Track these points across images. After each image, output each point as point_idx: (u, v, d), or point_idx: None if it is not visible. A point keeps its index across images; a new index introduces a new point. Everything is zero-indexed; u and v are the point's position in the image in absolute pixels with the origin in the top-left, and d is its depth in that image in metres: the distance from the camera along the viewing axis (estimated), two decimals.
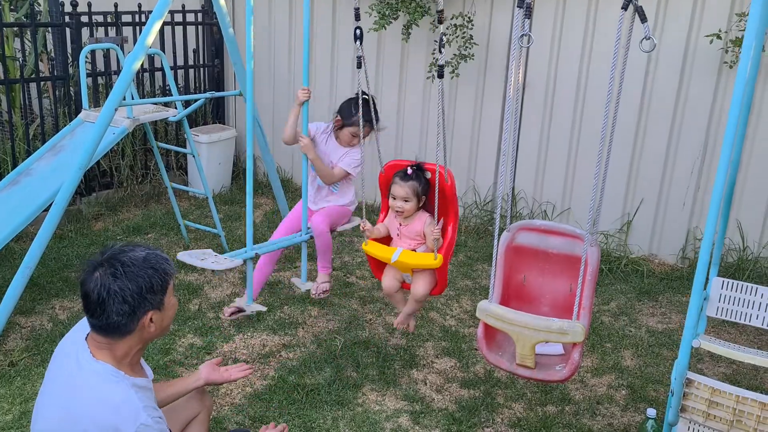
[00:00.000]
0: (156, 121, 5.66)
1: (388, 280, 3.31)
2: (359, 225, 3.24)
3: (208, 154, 5.90)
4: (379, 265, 3.35)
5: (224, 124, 6.47)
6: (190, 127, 6.12)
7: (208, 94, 3.96)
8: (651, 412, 2.77)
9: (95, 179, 5.43)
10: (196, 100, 4.12)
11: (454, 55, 4.91)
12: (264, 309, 3.57)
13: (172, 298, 2.03)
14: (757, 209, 4.52)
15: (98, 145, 3.14)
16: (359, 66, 3.07)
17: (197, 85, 6.23)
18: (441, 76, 2.86)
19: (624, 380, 3.51)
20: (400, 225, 3.22)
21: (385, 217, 3.30)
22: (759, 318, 2.72)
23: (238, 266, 3.41)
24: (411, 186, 3.11)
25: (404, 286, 3.33)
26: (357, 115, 3.41)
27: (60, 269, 4.33)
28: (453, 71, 4.93)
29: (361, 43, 3.00)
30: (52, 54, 5.15)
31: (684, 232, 4.81)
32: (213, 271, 4.31)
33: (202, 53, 6.19)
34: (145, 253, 1.97)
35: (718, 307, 2.81)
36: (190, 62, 6.10)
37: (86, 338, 1.99)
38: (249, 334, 3.72)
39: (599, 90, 4.79)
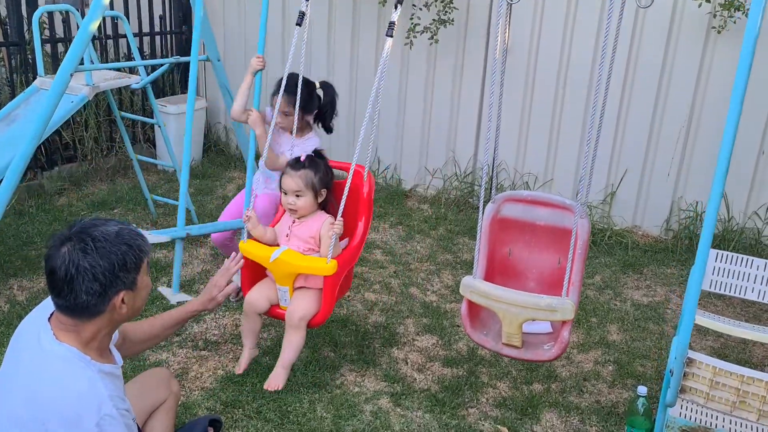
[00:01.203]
0: (121, 91, 5.40)
1: (256, 295, 2.73)
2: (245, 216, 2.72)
3: (177, 126, 5.64)
4: (252, 276, 2.80)
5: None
6: (157, 98, 5.85)
7: (172, 59, 3.72)
8: (642, 389, 2.66)
9: (57, 152, 5.16)
10: (160, 66, 3.86)
11: (433, 20, 4.70)
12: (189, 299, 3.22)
13: (146, 277, 1.86)
14: (742, 179, 4.42)
15: (52, 114, 2.90)
16: (299, 23, 2.70)
17: (164, 52, 5.94)
18: (390, 35, 2.47)
19: (611, 356, 3.41)
20: (293, 223, 2.70)
21: (279, 220, 2.82)
22: (755, 291, 2.61)
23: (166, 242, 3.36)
24: (304, 176, 2.60)
25: (274, 311, 2.81)
26: (278, 94, 3.00)
27: (19, 247, 4.09)
28: (432, 37, 4.72)
29: None
30: (6, 18, 4.83)
31: (668, 203, 4.70)
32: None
33: (168, 19, 5.90)
34: (118, 228, 1.80)
35: (711, 280, 2.70)
36: (156, 29, 5.80)
37: (49, 319, 1.83)
38: (221, 314, 3.54)
39: (584, 54, 4.63)
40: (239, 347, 3.25)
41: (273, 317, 2.86)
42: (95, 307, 1.76)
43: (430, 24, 4.70)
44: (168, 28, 5.92)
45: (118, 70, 4.04)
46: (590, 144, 2.41)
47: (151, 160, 4.55)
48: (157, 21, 5.78)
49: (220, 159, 6.00)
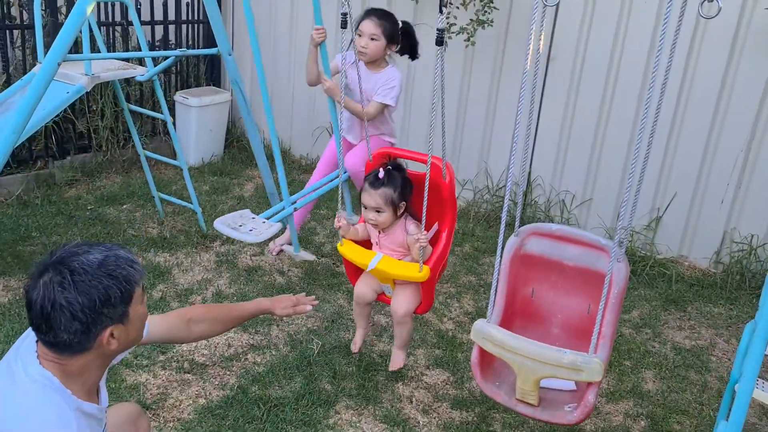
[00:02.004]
0: (138, 82, 5.15)
1: (363, 287, 2.82)
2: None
3: (198, 119, 5.40)
4: (356, 269, 2.86)
5: (219, 87, 5.95)
6: (182, 89, 5.62)
7: (178, 52, 3.43)
8: None
9: (70, 141, 4.95)
10: (165, 58, 3.58)
11: (471, 20, 4.32)
12: (313, 258, 3.56)
13: (140, 307, 1.63)
14: None
15: (35, 106, 2.64)
16: (343, 26, 2.63)
17: (191, 42, 5.70)
18: (440, 43, 2.26)
19: (644, 408, 3.01)
20: (380, 233, 2.73)
21: None
22: None
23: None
24: (383, 194, 2.59)
25: (381, 299, 2.88)
26: (365, 17, 3.38)
27: (14, 242, 3.87)
28: (468, 38, 4.35)
29: None
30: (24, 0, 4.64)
31: (720, 233, 4.24)
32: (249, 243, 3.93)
33: (196, 6, 5.65)
34: (103, 257, 1.55)
35: None
36: (183, 17, 5.56)
37: (38, 340, 1.60)
38: None
39: (635, 65, 4.20)
40: (227, 372, 2.96)
41: (381, 302, 2.97)
42: (79, 345, 1.54)
43: (467, 24, 4.32)
44: (196, 17, 5.67)
45: (127, 60, 3.78)
46: (636, 162, 2.02)
47: (158, 157, 4.28)
48: (184, 8, 5.54)
49: (243, 155, 5.73)
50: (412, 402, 2.92)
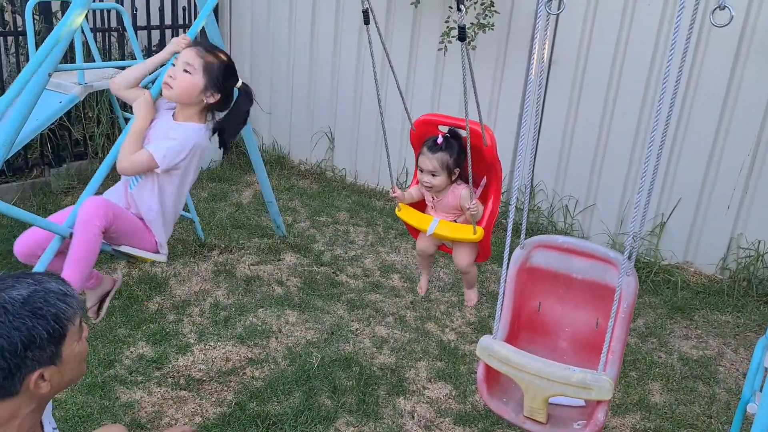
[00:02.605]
0: None
1: (425, 242, 3.00)
2: (389, 190, 3.01)
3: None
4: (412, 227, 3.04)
5: None
6: None
7: (173, 59, 3.35)
8: None
9: (66, 149, 4.88)
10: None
11: (471, 24, 4.26)
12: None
13: (77, 345, 1.46)
14: None
15: (26, 118, 2.56)
16: (366, 22, 2.60)
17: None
18: (463, 38, 2.37)
19: (651, 422, 2.94)
20: (433, 198, 2.87)
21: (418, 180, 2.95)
22: None
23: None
24: (440, 159, 2.72)
25: (443, 249, 3.07)
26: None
27: (9, 254, 3.78)
28: (469, 43, 4.28)
29: None
30: (18, 7, 4.57)
31: (726, 240, 4.18)
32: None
33: (193, 11, 5.58)
34: (28, 292, 1.39)
35: None
36: (180, 21, 5.49)
37: None
38: (211, 344, 3.18)
39: (638, 69, 4.13)
40: (225, 388, 2.89)
41: (444, 251, 3.09)
42: (3, 390, 1.39)
43: (468, 28, 4.25)
44: (192, 22, 5.59)
45: (121, 68, 3.70)
46: (648, 166, 1.94)
47: None
48: (180, 13, 5.47)
49: (241, 161, 5.65)
50: (413, 418, 2.85)
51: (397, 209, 2.94)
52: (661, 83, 2.23)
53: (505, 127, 4.67)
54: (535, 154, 4.59)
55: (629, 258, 2.11)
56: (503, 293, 2.18)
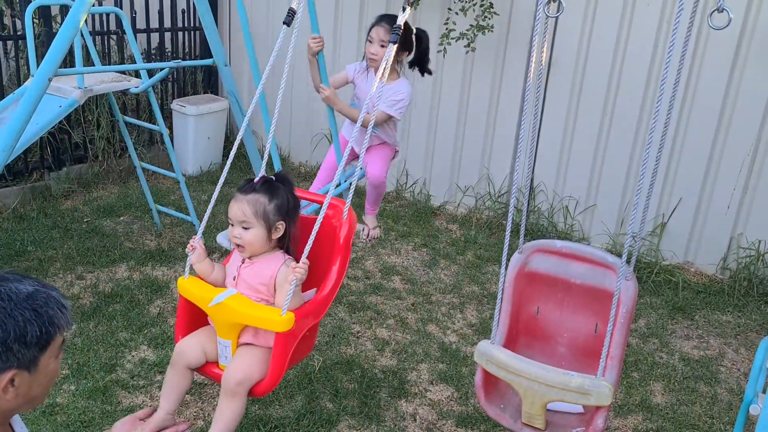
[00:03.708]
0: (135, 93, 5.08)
1: (190, 343, 2.15)
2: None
3: (196, 128, 5.34)
4: (189, 321, 2.22)
5: (217, 94, 5.88)
6: (179, 97, 5.56)
7: (173, 63, 3.36)
8: None
9: (66, 152, 4.89)
10: (160, 69, 3.51)
11: (471, 26, 4.25)
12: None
13: (53, 361, 1.43)
14: None
15: (26, 123, 2.58)
16: (287, 23, 2.40)
17: (188, 50, 5.64)
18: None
19: (653, 423, 2.94)
20: (242, 264, 2.12)
21: (231, 257, 2.23)
22: None
23: None
24: (253, 202, 2.03)
25: (207, 371, 2.17)
26: (380, 23, 3.10)
27: (9, 258, 3.81)
28: (468, 44, 4.28)
29: None
30: (17, 11, 4.57)
31: (726, 239, 4.17)
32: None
33: (192, 14, 5.58)
34: (33, 290, 1.39)
35: None
36: (179, 24, 5.49)
37: None
38: None
39: (637, 71, 4.13)
40: None
41: (206, 376, 2.21)
42: None
43: (467, 30, 4.25)
44: (192, 24, 5.60)
45: (122, 72, 3.72)
46: (646, 167, 1.94)
47: (155, 168, 4.22)
48: (180, 16, 5.47)
49: (242, 163, 5.64)
50: (415, 420, 2.85)
51: (181, 277, 2.14)
52: (660, 84, 2.23)
53: (504, 129, 4.67)
54: (535, 155, 4.59)
55: (628, 262, 2.11)
56: (501, 298, 2.18)
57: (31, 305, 1.37)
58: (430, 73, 3.33)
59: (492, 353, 2.10)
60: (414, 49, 3.21)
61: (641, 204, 1.93)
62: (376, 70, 2.92)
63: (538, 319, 2.37)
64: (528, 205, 4.60)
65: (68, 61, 4.51)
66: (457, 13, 4.27)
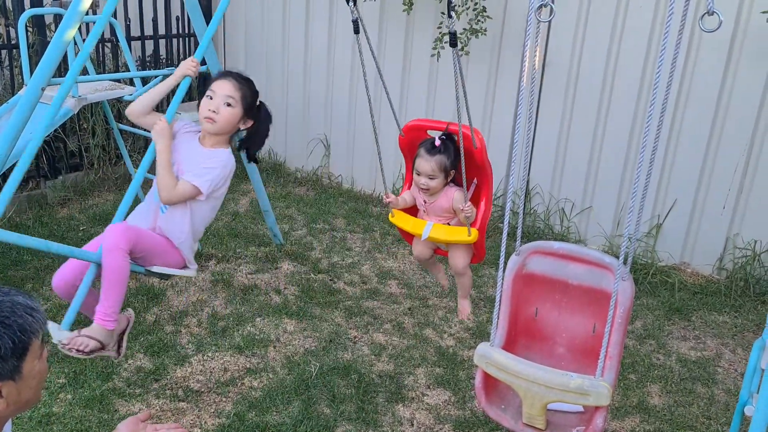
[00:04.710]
0: (130, 101, 5.08)
1: (420, 248, 3.08)
2: (383, 196, 2.97)
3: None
4: (404, 234, 3.16)
5: None
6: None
7: (167, 71, 3.36)
8: None
9: (62, 160, 4.88)
10: (154, 77, 3.51)
11: (464, 29, 4.27)
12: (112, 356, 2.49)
13: (38, 363, 1.43)
14: None
15: (19, 135, 2.56)
16: (356, 31, 2.60)
17: (183, 57, 5.64)
18: (454, 44, 2.43)
19: (651, 425, 2.94)
20: (425, 201, 2.90)
21: (410, 185, 2.98)
22: None
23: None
24: (438, 161, 2.77)
25: (438, 252, 3.14)
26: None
27: (5, 268, 3.79)
28: (462, 48, 4.29)
29: (355, 3, 2.51)
30: (11, 20, 4.57)
31: (722, 240, 4.18)
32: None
33: (187, 21, 5.59)
34: None
35: None
36: (174, 31, 5.50)
37: None
38: (209, 354, 3.18)
39: (631, 72, 4.15)
40: (223, 398, 2.88)
41: (439, 255, 3.17)
42: None
43: (461, 33, 4.27)
44: (186, 31, 5.61)
45: (117, 81, 3.72)
46: (641, 170, 1.94)
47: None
48: (174, 23, 5.48)
49: (237, 169, 5.58)
50: (413, 425, 2.85)
51: (390, 215, 2.96)
52: (653, 84, 2.24)
53: (499, 131, 4.68)
54: (531, 158, 4.60)
55: (624, 262, 2.11)
56: (500, 300, 2.18)
57: None
58: (256, 161, 3.00)
59: (491, 355, 2.09)
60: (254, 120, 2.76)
61: (637, 205, 1.94)
62: (210, 132, 2.68)
63: (536, 320, 2.37)
64: (524, 207, 4.61)
65: (62, 69, 4.51)
66: (450, 17, 4.27)
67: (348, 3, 2.56)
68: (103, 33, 5.03)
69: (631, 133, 4.26)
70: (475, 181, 2.87)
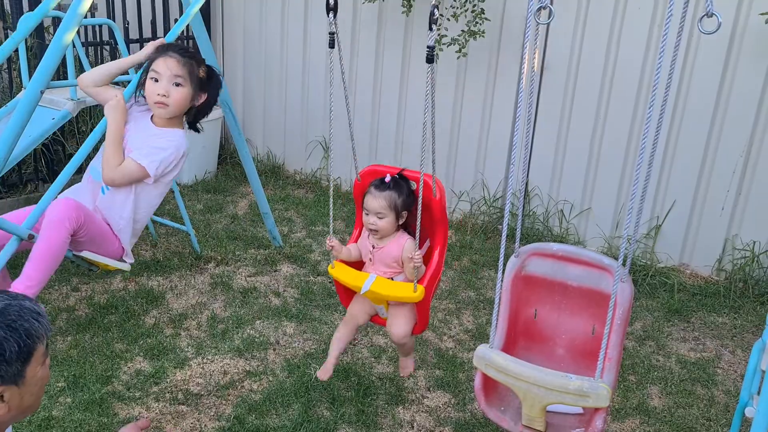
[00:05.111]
0: None
1: (357, 309, 2.71)
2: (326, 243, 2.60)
3: (191, 137, 5.32)
4: (348, 291, 2.76)
5: None
6: None
7: None
8: None
9: (60, 164, 4.87)
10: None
11: (462, 31, 4.27)
12: None
13: (40, 369, 1.43)
14: None
15: (18, 138, 2.56)
16: (331, 45, 2.37)
17: None
18: (430, 60, 2.10)
19: (651, 426, 2.94)
20: (374, 248, 2.60)
21: (359, 236, 2.69)
22: None
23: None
24: (388, 197, 2.50)
25: (375, 320, 2.76)
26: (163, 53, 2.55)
27: None
28: (460, 50, 4.30)
29: (335, 16, 2.30)
30: (9, 22, 4.57)
31: (721, 241, 4.19)
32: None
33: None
34: (4, 305, 1.37)
35: None
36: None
37: None
38: (209, 357, 3.18)
39: (630, 73, 4.15)
40: (223, 402, 2.88)
41: (375, 323, 2.88)
42: None
43: (459, 36, 4.27)
44: (185, 33, 5.60)
45: (116, 83, 3.71)
46: (640, 172, 1.94)
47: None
48: (172, 25, 5.47)
49: (236, 172, 5.66)
50: (413, 427, 2.84)
51: (330, 266, 2.63)
52: (652, 86, 2.25)
53: (498, 133, 4.68)
54: (529, 159, 4.60)
55: (624, 264, 2.11)
56: (499, 302, 2.18)
57: (4, 321, 1.35)
58: (197, 131, 2.79)
59: (491, 357, 2.09)
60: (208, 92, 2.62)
61: (636, 207, 1.94)
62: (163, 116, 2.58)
63: (536, 321, 2.37)
64: (523, 209, 4.61)
65: (61, 72, 4.52)
66: (448, 19, 4.28)
67: (327, 14, 2.29)
68: (101, 35, 5.05)
69: (630, 135, 4.26)
70: (427, 242, 2.60)
